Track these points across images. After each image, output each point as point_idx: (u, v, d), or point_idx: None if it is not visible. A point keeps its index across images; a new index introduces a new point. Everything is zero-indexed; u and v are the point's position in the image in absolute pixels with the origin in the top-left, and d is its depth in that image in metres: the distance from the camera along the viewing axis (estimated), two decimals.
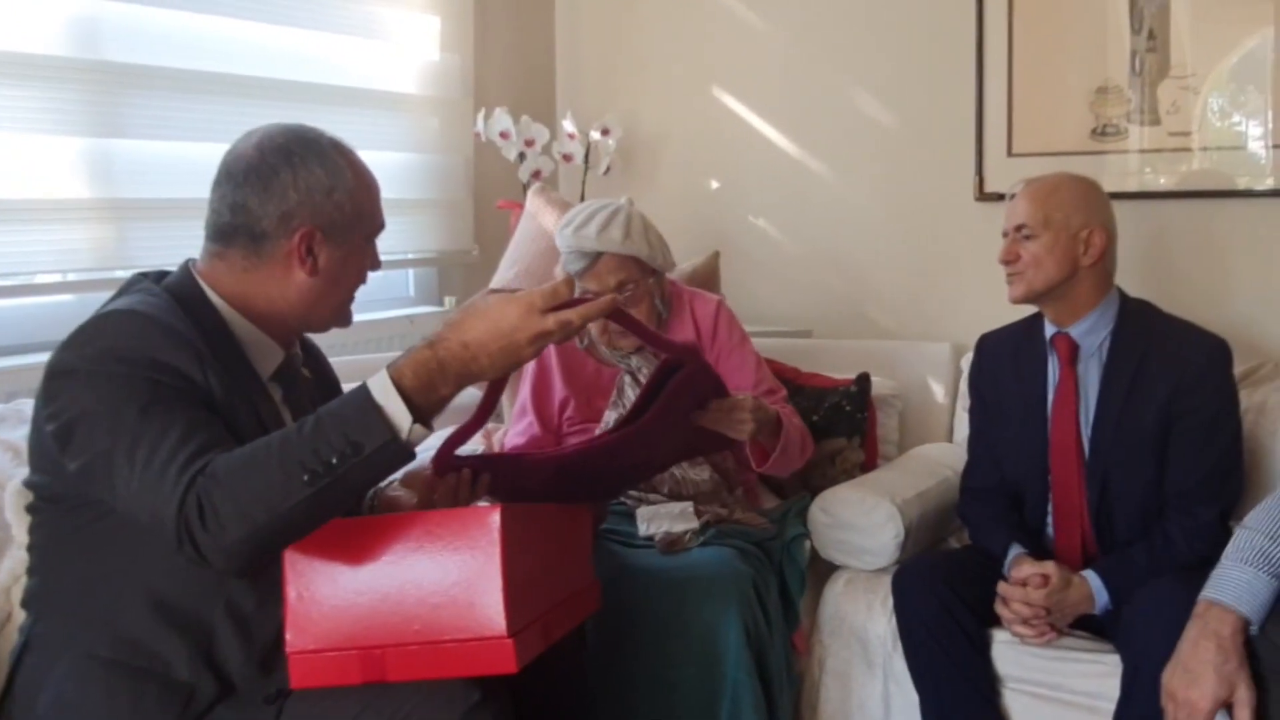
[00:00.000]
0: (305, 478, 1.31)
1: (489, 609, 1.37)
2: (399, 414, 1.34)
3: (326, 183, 1.55)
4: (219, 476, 1.32)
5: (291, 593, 1.43)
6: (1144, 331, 2.21)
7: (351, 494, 1.37)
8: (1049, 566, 2.10)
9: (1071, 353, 2.24)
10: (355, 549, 1.42)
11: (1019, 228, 2.23)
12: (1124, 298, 2.26)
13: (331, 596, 1.42)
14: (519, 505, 1.48)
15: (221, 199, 1.57)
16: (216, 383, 1.46)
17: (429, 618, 1.39)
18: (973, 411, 2.44)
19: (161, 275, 1.60)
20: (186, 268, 1.60)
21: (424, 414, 1.36)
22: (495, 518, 1.39)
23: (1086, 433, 2.21)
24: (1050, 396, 2.26)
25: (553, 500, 1.75)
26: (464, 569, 1.39)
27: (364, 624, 1.41)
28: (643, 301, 2.34)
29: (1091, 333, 2.23)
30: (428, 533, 1.41)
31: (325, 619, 1.42)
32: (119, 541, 1.47)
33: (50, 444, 1.44)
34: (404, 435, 1.34)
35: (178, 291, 1.54)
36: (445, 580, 1.39)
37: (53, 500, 1.51)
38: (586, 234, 2.30)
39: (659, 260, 2.36)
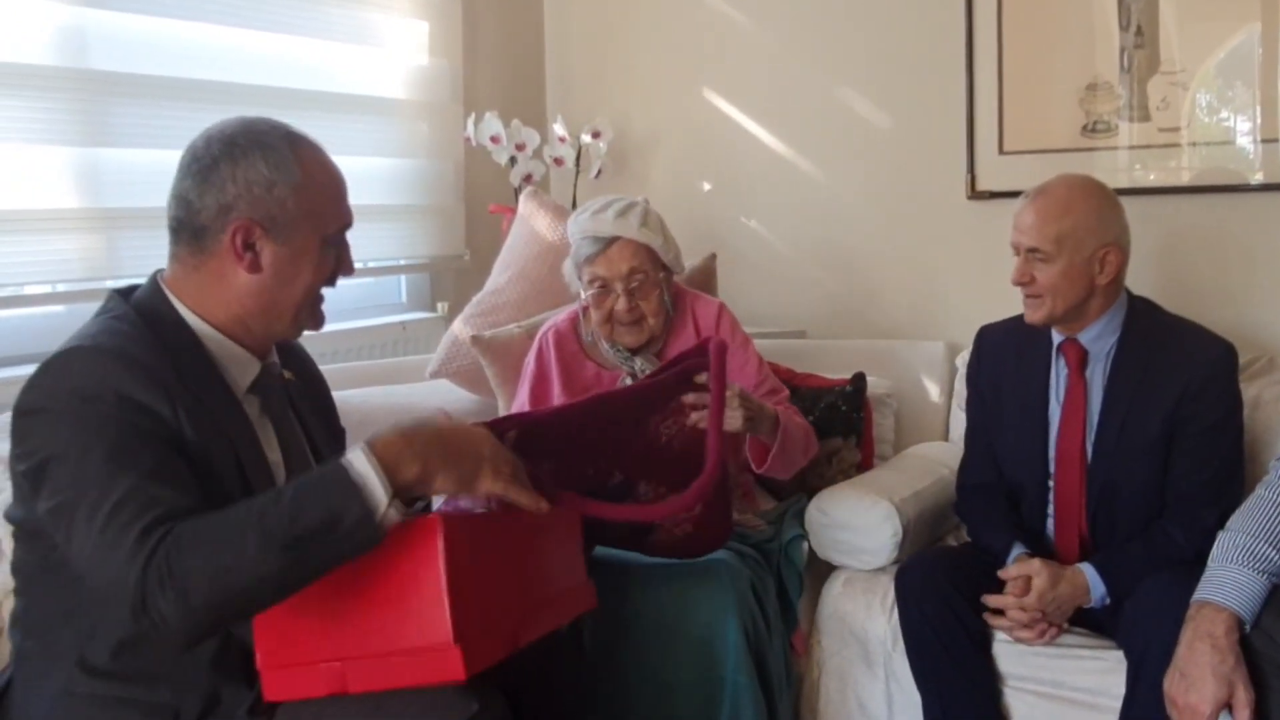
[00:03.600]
0: (278, 550, 1.28)
1: (434, 618, 1.37)
2: (374, 491, 1.32)
3: (268, 176, 1.50)
4: (183, 543, 1.28)
5: None
6: (1150, 335, 2.19)
7: (320, 571, 1.34)
8: (1033, 566, 2.09)
9: (1081, 360, 2.22)
10: None
11: (1031, 250, 2.16)
12: (1130, 299, 2.24)
13: (296, 610, 1.42)
14: (469, 513, 1.48)
15: (170, 192, 1.54)
16: (186, 415, 1.43)
17: (381, 629, 1.40)
18: (970, 405, 2.43)
19: (130, 291, 1.57)
20: (154, 280, 1.57)
21: (401, 493, 1.35)
22: (436, 527, 1.39)
23: (1090, 436, 2.20)
24: (1053, 400, 2.25)
25: (566, 471, 1.75)
26: (410, 579, 1.39)
27: (327, 637, 1.42)
28: (652, 294, 2.33)
29: (1100, 338, 2.21)
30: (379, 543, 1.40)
31: (291, 633, 1.43)
32: None
33: (22, 483, 1.42)
34: (379, 514, 1.32)
35: (146, 310, 1.51)
36: (395, 591, 1.40)
37: (31, 534, 1.49)
38: (604, 218, 2.31)
39: (670, 257, 2.36)
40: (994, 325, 2.41)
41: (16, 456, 1.41)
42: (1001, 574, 2.13)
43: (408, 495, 1.37)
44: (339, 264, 1.61)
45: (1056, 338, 2.25)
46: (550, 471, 1.69)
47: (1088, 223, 2.13)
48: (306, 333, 1.68)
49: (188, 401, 1.44)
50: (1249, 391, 2.39)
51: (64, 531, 1.35)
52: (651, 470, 1.92)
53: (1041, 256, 2.14)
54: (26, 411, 1.41)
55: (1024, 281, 2.17)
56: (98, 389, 1.38)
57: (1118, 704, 1.98)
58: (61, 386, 1.39)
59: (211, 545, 1.28)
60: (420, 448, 1.38)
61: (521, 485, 1.49)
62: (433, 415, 1.48)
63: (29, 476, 1.39)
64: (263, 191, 1.50)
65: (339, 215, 1.59)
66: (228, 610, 1.31)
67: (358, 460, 1.33)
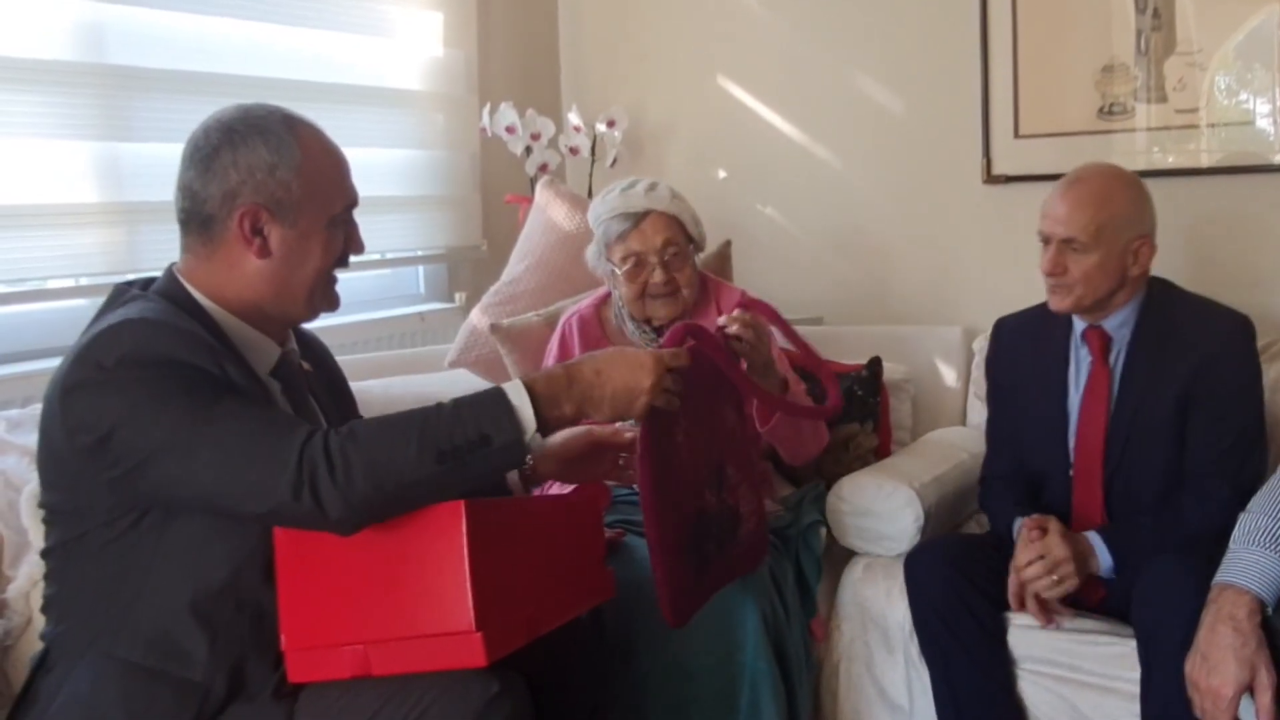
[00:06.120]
0: (435, 456, 1.37)
1: (456, 603, 1.39)
2: (528, 418, 1.43)
3: (269, 160, 1.51)
4: (357, 436, 1.38)
5: (285, 590, 1.45)
6: (1166, 314, 2.17)
7: (468, 482, 1.42)
8: (1044, 519, 2.08)
9: (1105, 347, 2.20)
10: (343, 545, 1.43)
11: (1067, 241, 2.12)
12: (1149, 281, 2.21)
13: (321, 594, 1.44)
14: (491, 500, 1.50)
15: (176, 185, 1.56)
16: (236, 376, 1.46)
17: (405, 613, 1.42)
18: (990, 397, 2.41)
19: (148, 283, 1.59)
20: (171, 272, 1.58)
21: (544, 427, 1.45)
22: (460, 513, 1.40)
23: (1108, 421, 2.17)
24: (1072, 389, 2.23)
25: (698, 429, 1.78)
26: (433, 564, 1.41)
27: (351, 621, 1.44)
28: (685, 266, 2.35)
29: (1124, 325, 2.19)
30: (402, 528, 1.43)
31: (316, 616, 1.45)
32: (148, 548, 1.47)
33: (75, 459, 1.43)
34: (527, 438, 1.42)
35: (170, 298, 1.53)
36: (419, 576, 1.42)
37: (72, 514, 1.50)
38: (635, 193, 2.33)
39: (698, 232, 2.38)
40: (1011, 317, 2.40)
41: (70, 431, 1.42)
42: (1018, 547, 2.09)
43: (560, 427, 1.52)
44: (348, 243, 1.62)
45: (1079, 325, 2.23)
46: (685, 430, 1.73)
47: (1126, 213, 2.11)
48: (325, 321, 1.69)
49: (229, 372, 1.46)
50: (1269, 373, 2.37)
51: (166, 474, 1.38)
52: (730, 453, 1.92)
53: (1077, 247, 2.11)
54: (77, 385, 1.42)
55: (1056, 272, 2.14)
56: (151, 354, 1.41)
57: (1132, 687, 1.97)
58: (113, 356, 1.40)
59: (379, 442, 1.38)
60: (580, 390, 1.50)
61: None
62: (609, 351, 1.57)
63: (93, 448, 1.40)
64: (265, 175, 1.51)
65: (343, 194, 1.60)
66: (384, 505, 1.39)
67: (513, 390, 1.44)
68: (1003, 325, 2.41)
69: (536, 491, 1.92)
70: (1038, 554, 2.06)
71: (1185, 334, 2.14)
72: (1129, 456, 2.16)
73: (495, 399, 1.43)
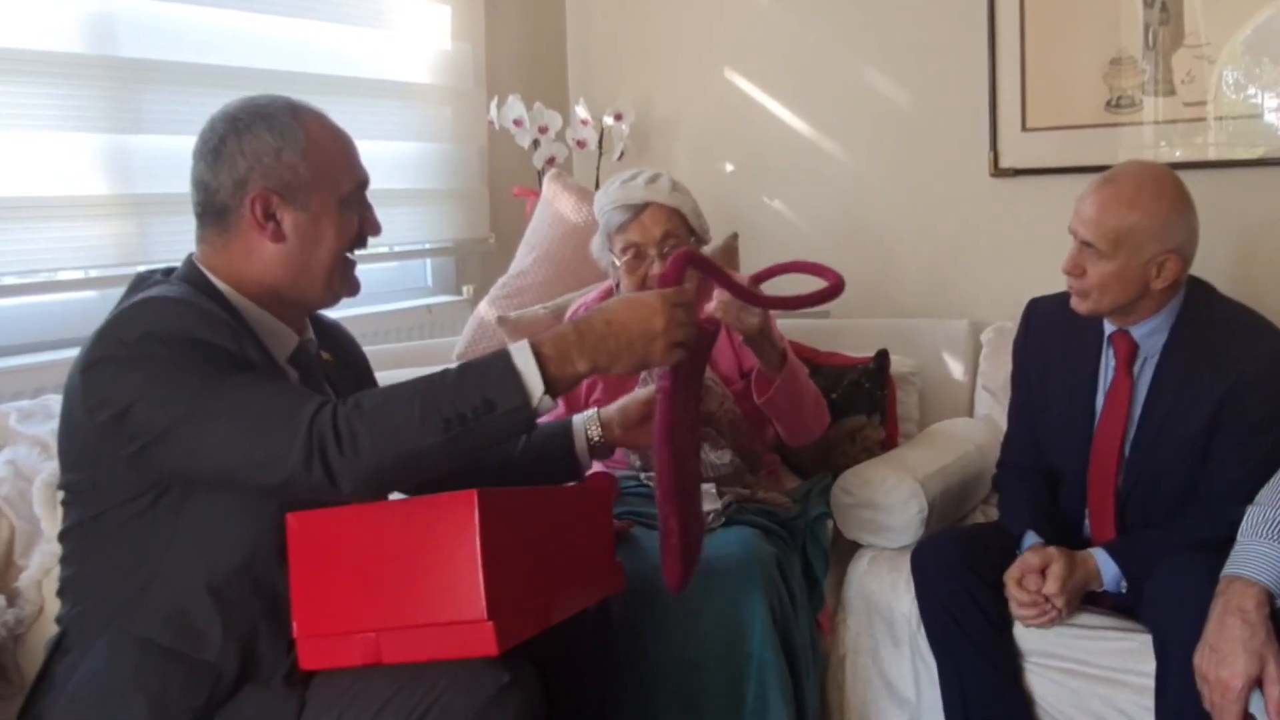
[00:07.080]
0: (441, 424, 1.37)
1: (468, 592, 1.40)
2: (534, 381, 1.41)
3: (274, 144, 1.53)
4: (363, 407, 1.38)
5: (298, 576, 1.46)
6: (1203, 327, 2.08)
7: (476, 449, 1.42)
8: (1049, 554, 2.05)
9: (1130, 355, 2.12)
10: (355, 533, 1.45)
11: (1087, 243, 2.03)
12: (1189, 287, 2.11)
13: (334, 581, 1.45)
14: (502, 489, 1.51)
15: (189, 179, 1.58)
16: (254, 356, 1.48)
17: (416, 601, 1.42)
18: (1015, 382, 2.35)
19: (169, 271, 1.61)
20: (190, 261, 1.60)
21: (555, 386, 1.43)
22: (473, 501, 1.41)
23: (1130, 431, 2.12)
24: (1100, 389, 2.17)
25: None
26: (445, 552, 1.41)
27: (363, 608, 1.44)
28: None
29: (1154, 334, 2.10)
30: (415, 516, 1.44)
31: (328, 603, 1.46)
32: (166, 527, 1.48)
33: (94, 435, 1.44)
34: (534, 402, 1.41)
35: (191, 283, 1.55)
36: (431, 564, 1.42)
37: (90, 493, 1.51)
38: (635, 185, 2.33)
39: (699, 224, 2.39)
40: (1044, 300, 2.30)
41: (91, 407, 1.43)
42: (1014, 568, 2.08)
43: (575, 385, 1.48)
44: (364, 224, 1.64)
45: (1108, 327, 2.16)
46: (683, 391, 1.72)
47: (1150, 225, 2.00)
48: (331, 314, 1.70)
49: (248, 351, 1.48)
50: None
51: (181, 449, 1.39)
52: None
53: (1095, 252, 2.02)
54: (98, 361, 1.44)
55: (1074, 273, 2.07)
56: (172, 332, 1.42)
57: (1141, 680, 1.97)
58: (134, 333, 1.43)
59: (383, 412, 1.38)
60: (591, 344, 1.46)
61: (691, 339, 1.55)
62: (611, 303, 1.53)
63: (111, 423, 1.41)
64: (272, 160, 1.53)
65: (351, 174, 1.62)
66: (392, 474, 1.40)
67: (519, 353, 1.42)
68: (1034, 308, 2.31)
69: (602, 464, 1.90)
70: (1031, 599, 2.04)
71: (1223, 350, 2.04)
72: (1149, 470, 2.10)
73: (500, 364, 1.42)
